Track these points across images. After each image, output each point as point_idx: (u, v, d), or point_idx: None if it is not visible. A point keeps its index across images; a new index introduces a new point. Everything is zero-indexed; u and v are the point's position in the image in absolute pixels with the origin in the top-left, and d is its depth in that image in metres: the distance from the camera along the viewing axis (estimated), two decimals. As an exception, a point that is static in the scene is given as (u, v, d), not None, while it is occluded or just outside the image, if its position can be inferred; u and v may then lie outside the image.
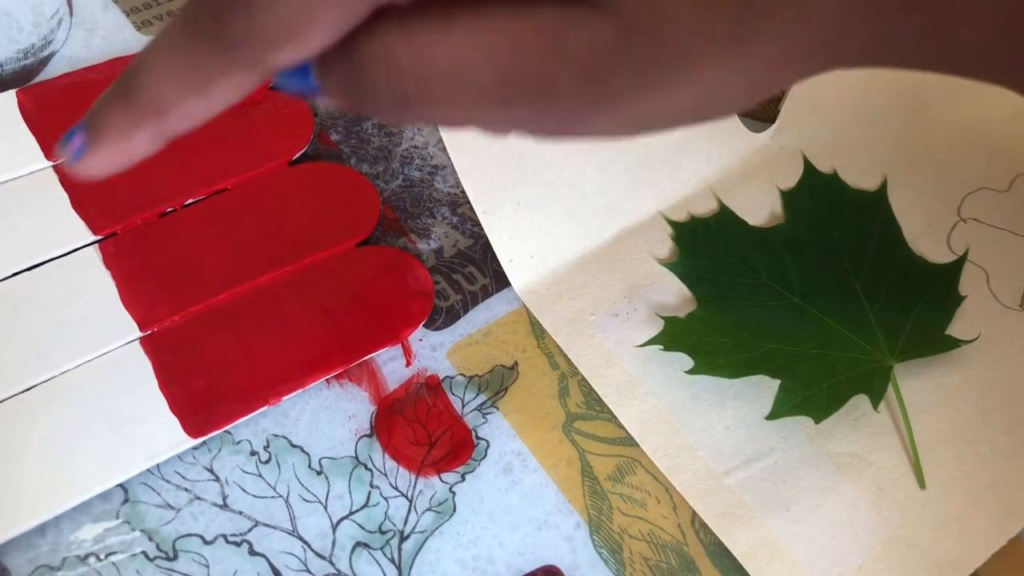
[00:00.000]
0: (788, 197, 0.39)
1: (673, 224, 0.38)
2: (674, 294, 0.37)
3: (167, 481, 0.32)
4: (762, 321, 0.36)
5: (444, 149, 0.41)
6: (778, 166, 0.40)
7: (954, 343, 0.36)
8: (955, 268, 0.38)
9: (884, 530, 0.33)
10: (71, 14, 0.43)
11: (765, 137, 0.41)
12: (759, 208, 0.39)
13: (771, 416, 0.33)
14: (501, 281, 0.37)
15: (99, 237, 0.36)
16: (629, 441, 0.34)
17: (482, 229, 0.38)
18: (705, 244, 0.38)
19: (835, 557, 0.32)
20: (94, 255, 0.36)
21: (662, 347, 0.35)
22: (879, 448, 0.34)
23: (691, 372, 0.34)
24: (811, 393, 0.33)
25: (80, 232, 0.36)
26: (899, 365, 0.35)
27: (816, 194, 0.39)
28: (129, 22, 0.43)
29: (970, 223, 0.40)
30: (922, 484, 0.34)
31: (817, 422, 0.33)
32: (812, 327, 0.35)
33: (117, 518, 0.31)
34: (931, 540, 0.33)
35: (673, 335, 0.35)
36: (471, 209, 0.39)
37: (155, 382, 0.33)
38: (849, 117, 0.42)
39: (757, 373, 0.34)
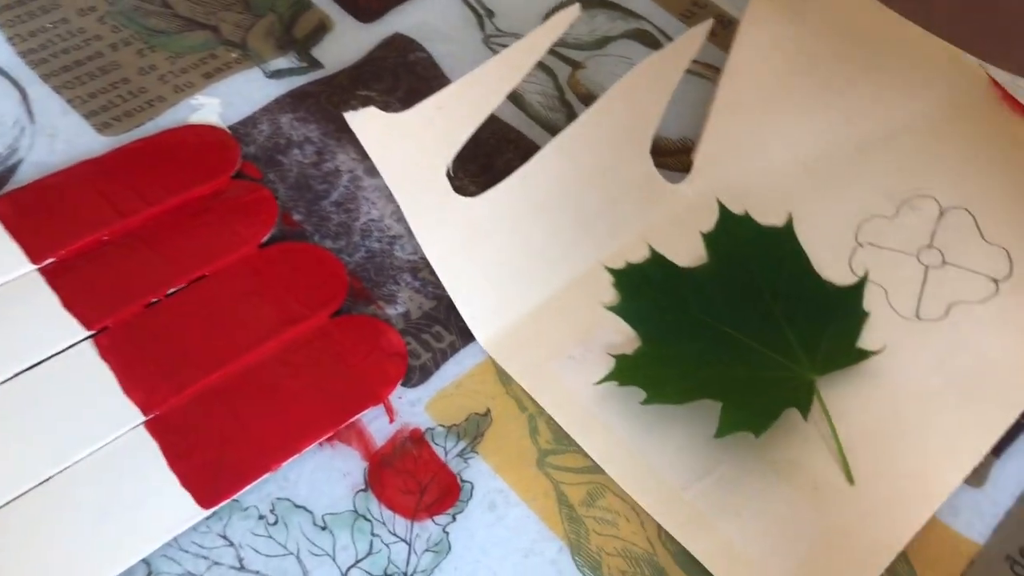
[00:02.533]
0: (709, 239, 0.44)
1: (613, 272, 0.43)
2: (622, 334, 0.42)
3: (185, 551, 0.35)
4: (699, 351, 0.40)
5: (399, 220, 0.45)
6: (698, 212, 0.45)
7: (865, 354, 0.41)
8: (858, 288, 0.43)
9: (822, 523, 0.38)
10: (32, 121, 0.46)
11: (684, 187, 0.46)
12: (688, 251, 0.44)
13: (718, 434, 0.38)
14: (466, 336, 0.41)
15: (92, 332, 0.39)
16: (596, 469, 0.39)
17: (443, 290, 0.42)
18: (643, 287, 0.43)
19: (784, 550, 0.37)
20: (90, 349, 0.39)
21: (617, 383, 0.39)
22: (810, 453, 0.39)
23: (645, 402, 0.39)
24: (749, 410, 0.38)
25: (73, 329, 0.39)
26: (820, 378, 0.40)
27: (732, 234, 0.44)
28: (89, 124, 0.46)
29: (867, 247, 0.45)
30: (850, 480, 0.39)
31: (757, 436, 0.38)
32: (743, 352, 0.40)
33: (143, 591, 0.34)
34: (863, 527, 0.38)
35: (625, 370, 0.40)
36: (431, 273, 0.43)
37: (164, 461, 0.36)
38: (754, 162, 0.47)
39: (701, 397, 0.39)
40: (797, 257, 0.44)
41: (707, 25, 0.46)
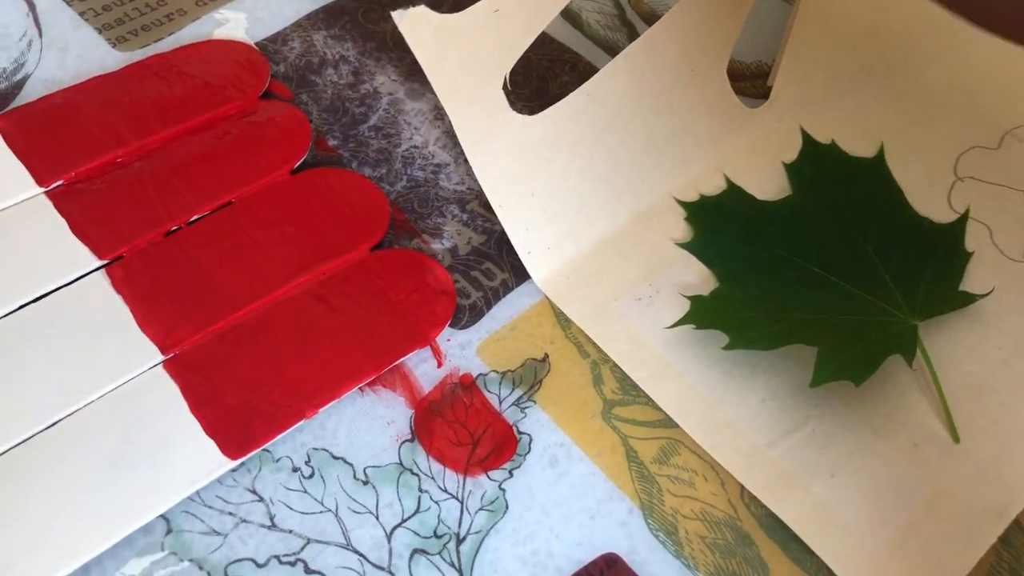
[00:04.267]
0: (792, 170, 0.40)
1: (684, 205, 0.39)
2: (694, 273, 0.37)
3: (209, 507, 0.31)
4: (785, 292, 0.36)
5: (444, 147, 0.40)
6: (779, 140, 0.41)
7: (970, 298, 0.36)
8: (959, 226, 0.39)
9: (925, 485, 0.33)
10: (40, 35, 0.42)
11: (763, 112, 0.41)
12: (766, 182, 0.40)
13: (814, 383, 0.34)
14: (520, 275, 0.37)
15: (105, 261, 0.35)
16: (669, 423, 0.34)
17: (494, 224, 0.38)
18: (718, 222, 0.38)
19: (882, 516, 0.33)
20: (102, 280, 0.34)
21: (694, 326, 0.35)
22: (910, 407, 0.35)
23: (727, 348, 0.34)
24: (847, 357, 0.34)
25: (84, 258, 0.35)
26: (921, 324, 0.36)
27: (818, 165, 0.40)
28: (103, 39, 0.42)
29: (967, 181, 0.41)
30: (955, 437, 0.34)
31: (857, 385, 0.33)
32: (834, 294, 0.36)
33: (163, 550, 0.30)
34: (970, 490, 0.33)
35: (702, 313, 0.35)
36: (480, 205, 0.39)
37: (185, 406, 0.32)
38: (839, 85, 0.42)
39: (792, 343, 0.34)
40: (890, 191, 0.39)
41: None
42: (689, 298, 0.36)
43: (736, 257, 0.37)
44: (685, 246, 0.38)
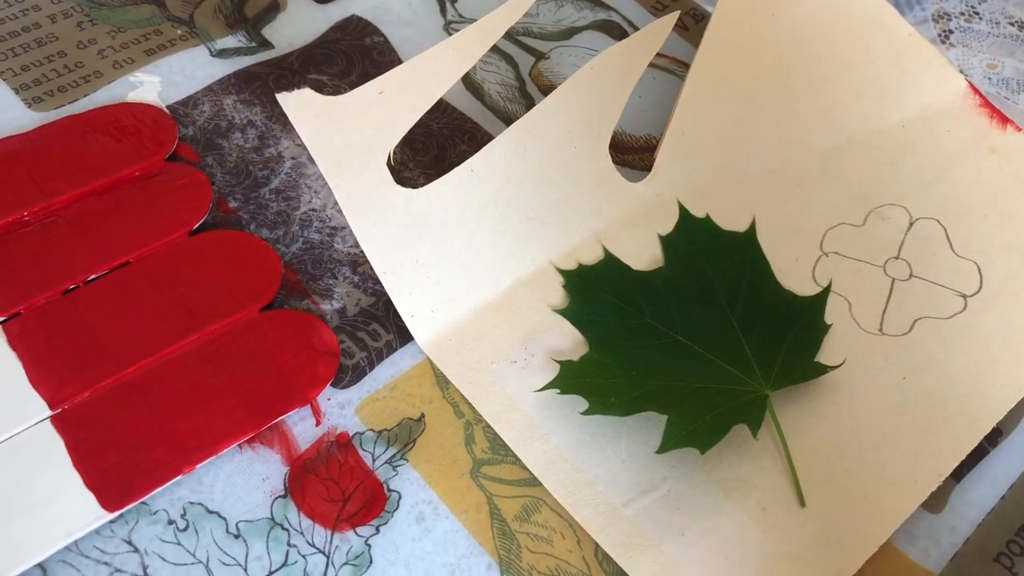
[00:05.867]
0: (667, 242, 0.42)
1: (563, 272, 0.41)
2: (568, 338, 0.40)
3: (86, 557, 0.33)
4: (648, 360, 0.38)
5: (342, 211, 0.42)
6: (657, 213, 0.43)
7: (823, 369, 0.39)
8: (820, 299, 0.41)
9: (770, 547, 0.36)
10: (-42, 93, 0.43)
11: (643, 186, 0.44)
12: (641, 253, 0.42)
13: (661, 449, 0.36)
14: (404, 336, 0.39)
15: (2, 319, 0.37)
16: (533, 481, 0.36)
17: (383, 287, 0.40)
18: (593, 290, 0.40)
19: (730, 575, 0.35)
20: (-2, 337, 0.36)
21: (559, 391, 0.37)
22: (761, 471, 0.37)
23: (586, 413, 0.36)
24: (696, 425, 0.36)
25: (-18, 315, 0.37)
26: (775, 393, 0.38)
27: (691, 237, 0.42)
28: (19, 99, 0.44)
29: (832, 256, 0.43)
30: (802, 502, 0.37)
31: (702, 452, 0.36)
32: (694, 362, 0.38)
33: (37, 598, 0.32)
34: (813, 552, 0.36)
35: (568, 378, 0.38)
36: (371, 268, 0.41)
37: (68, 460, 0.34)
38: (718, 163, 0.45)
39: (646, 410, 0.37)
40: (758, 264, 0.42)
41: (673, 17, 0.43)
42: (559, 363, 0.38)
43: (607, 324, 0.39)
44: (561, 312, 0.40)
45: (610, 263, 0.41)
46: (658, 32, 0.43)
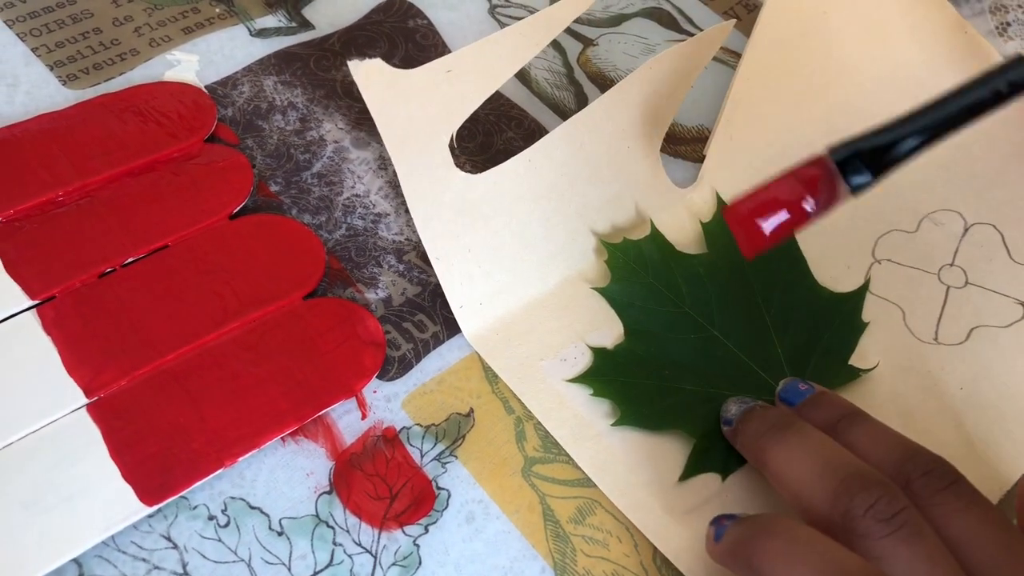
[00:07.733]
0: (707, 229, 0.41)
1: (607, 246, 0.39)
2: (616, 339, 0.38)
3: (123, 552, 0.31)
4: (683, 356, 0.37)
5: (386, 197, 0.41)
6: (704, 219, 0.42)
7: (855, 373, 0.37)
8: (859, 295, 0.40)
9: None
10: (-9, 69, 0.42)
11: (691, 191, 0.42)
12: (685, 237, 0.41)
13: (682, 478, 0.35)
14: (451, 328, 0.38)
15: (36, 302, 0.35)
16: (587, 482, 0.35)
17: (429, 276, 0.39)
18: (635, 268, 0.39)
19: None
20: (32, 321, 0.35)
21: (592, 392, 0.36)
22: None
23: (616, 424, 0.35)
24: (720, 448, 0.35)
25: (16, 297, 0.35)
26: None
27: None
28: (54, 76, 0.42)
29: (884, 263, 0.42)
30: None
31: (723, 479, 0.34)
32: (726, 363, 0.37)
33: (72, 594, 0.30)
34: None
35: (601, 369, 0.36)
36: (417, 256, 0.39)
37: (105, 450, 0.32)
38: (765, 168, 0.43)
39: (676, 428, 0.35)
40: (795, 263, 0.40)
41: (730, 24, 0.42)
42: (593, 349, 0.37)
43: (646, 309, 0.38)
44: (600, 291, 0.38)
45: (655, 238, 0.40)
46: (715, 38, 0.42)
